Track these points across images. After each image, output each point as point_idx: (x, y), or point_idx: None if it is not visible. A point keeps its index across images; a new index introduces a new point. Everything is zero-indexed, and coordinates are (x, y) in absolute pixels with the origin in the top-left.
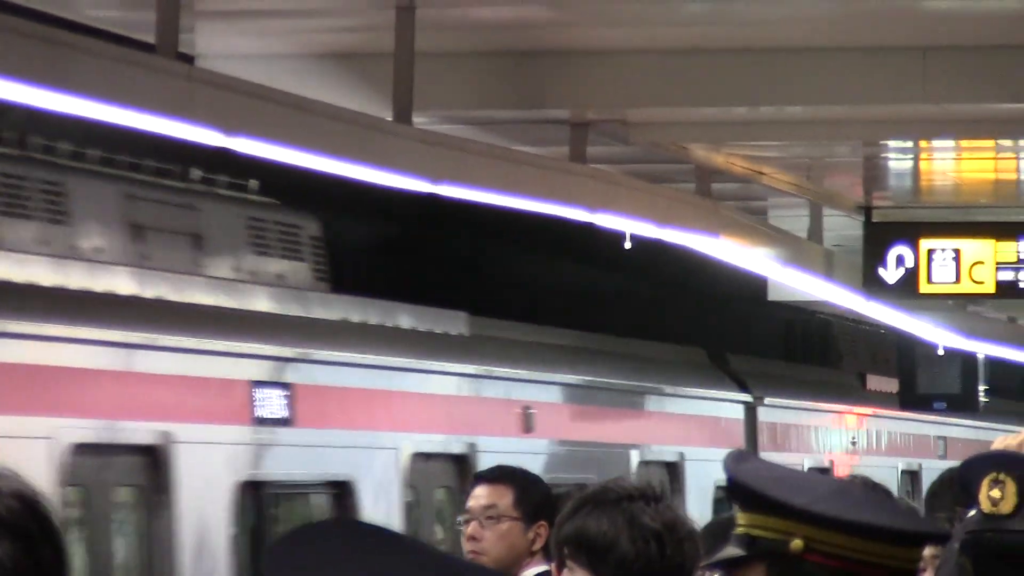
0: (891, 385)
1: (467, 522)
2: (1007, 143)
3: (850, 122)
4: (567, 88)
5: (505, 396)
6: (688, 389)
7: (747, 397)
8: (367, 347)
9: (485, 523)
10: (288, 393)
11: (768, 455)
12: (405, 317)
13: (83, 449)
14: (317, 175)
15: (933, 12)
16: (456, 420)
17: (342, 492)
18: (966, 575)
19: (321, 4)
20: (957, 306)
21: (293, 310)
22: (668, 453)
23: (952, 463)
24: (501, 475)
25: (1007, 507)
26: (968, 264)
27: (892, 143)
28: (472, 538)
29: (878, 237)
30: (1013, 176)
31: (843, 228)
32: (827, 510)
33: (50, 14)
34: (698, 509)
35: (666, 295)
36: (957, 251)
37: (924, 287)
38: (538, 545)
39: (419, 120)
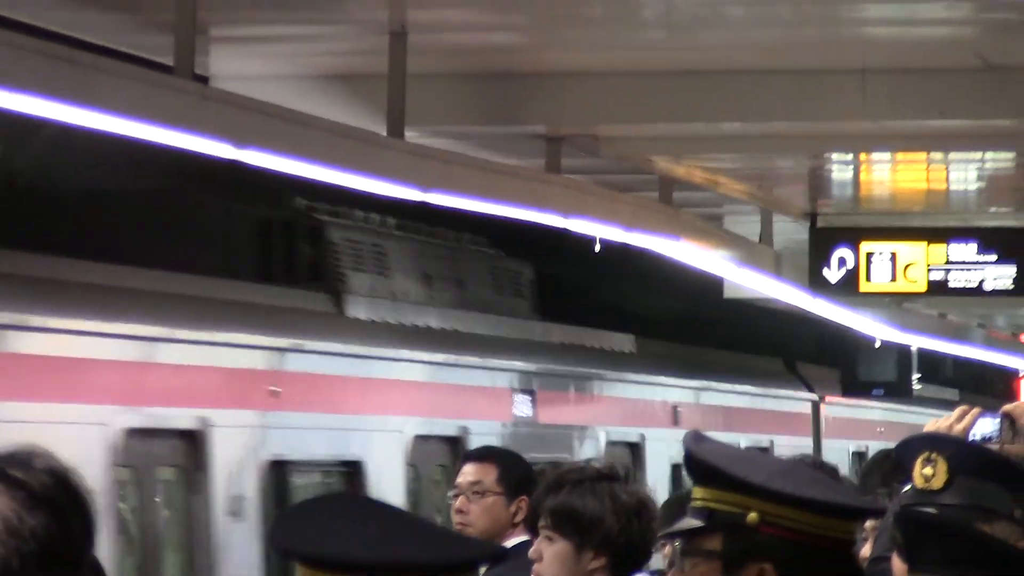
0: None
1: (456, 496)
2: (938, 156)
3: (796, 137)
4: (543, 106)
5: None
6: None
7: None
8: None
9: (472, 497)
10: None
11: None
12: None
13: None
14: (530, 230)
15: (871, 37)
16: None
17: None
18: (897, 544)
19: (322, 30)
20: (893, 303)
21: (520, 334)
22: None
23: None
24: (486, 454)
25: (938, 483)
26: (903, 265)
27: (834, 156)
28: (460, 511)
29: (822, 241)
30: (943, 186)
31: (791, 233)
32: (782, 487)
33: (78, 38)
34: None
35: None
36: (893, 254)
37: (863, 286)
38: (519, 517)
39: (410, 135)
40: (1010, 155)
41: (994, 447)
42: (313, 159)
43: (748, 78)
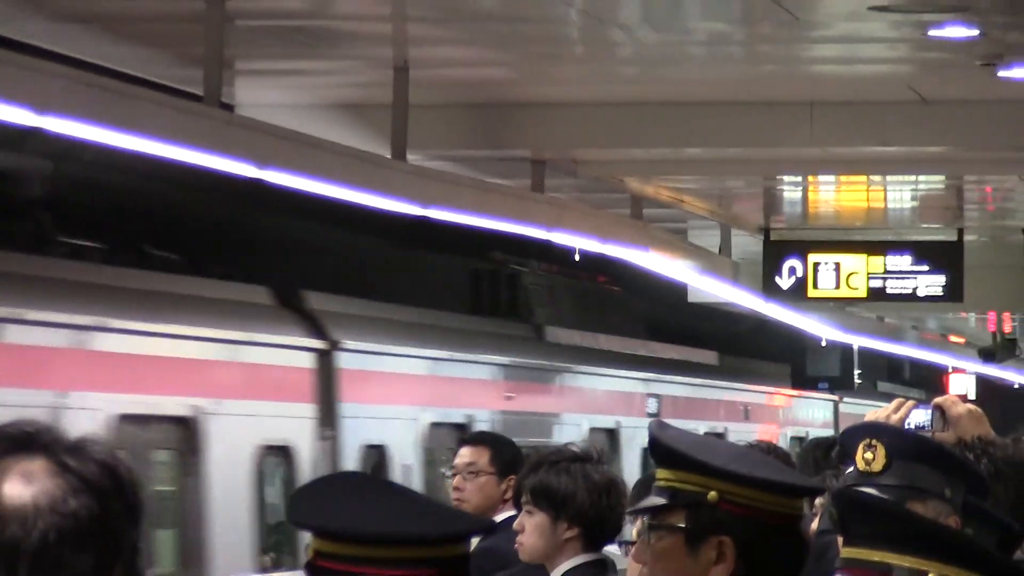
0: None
1: (453, 476)
2: (877, 179)
3: (752, 161)
4: (528, 133)
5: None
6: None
7: None
8: None
9: (467, 477)
10: None
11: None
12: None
13: None
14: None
15: (818, 74)
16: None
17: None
18: (834, 522)
19: (334, 65)
20: (837, 307)
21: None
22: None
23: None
24: (480, 438)
25: (877, 466)
26: (846, 274)
27: (785, 178)
28: (456, 489)
29: (774, 252)
30: (881, 205)
31: (747, 245)
32: (738, 469)
33: (118, 70)
34: None
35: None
36: (837, 264)
37: (811, 292)
38: (509, 495)
39: (412, 157)
40: (940, 178)
41: (927, 435)
42: (325, 178)
43: (709, 109)
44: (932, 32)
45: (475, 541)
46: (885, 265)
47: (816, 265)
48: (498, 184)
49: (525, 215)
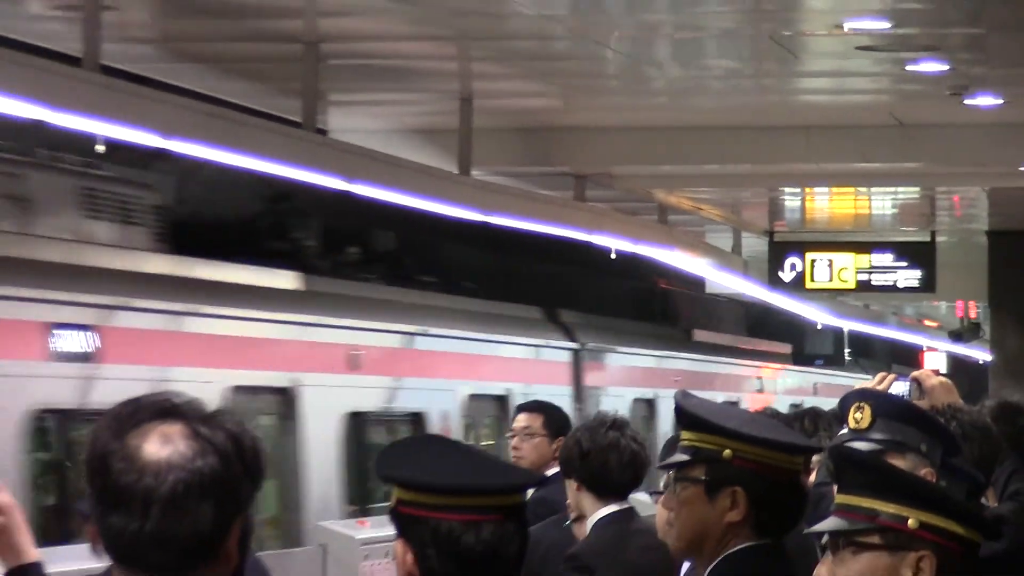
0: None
1: (511, 437)
2: (863, 190)
3: (758, 176)
4: (572, 152)
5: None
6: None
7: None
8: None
9: (523, 438)
10: None
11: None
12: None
13: None
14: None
15: (813, 103)
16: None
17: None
18: (830, 472)
19: (411, 96)
20: (830, 297)
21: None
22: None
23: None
24: (535, 406)
25: (864, 424)
26: (838, 269)
27: (786, 189)
28: (515, 448)
29: (778, 251)
30: (867, 212)
31: (755, 245)
32: (749, 431)
33: (231, 101)
34: None
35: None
36: (830, 261)
37: (808, 284)
38: (558, 453)
39: (475, 172)
40: (916, 189)
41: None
42: (404, 191)
43: (723, 132)
44: (909, 67)
45: (530, 492)
46: (870, 262)
47: (813, 262)
48: (547, 194)
49: (570, 221)
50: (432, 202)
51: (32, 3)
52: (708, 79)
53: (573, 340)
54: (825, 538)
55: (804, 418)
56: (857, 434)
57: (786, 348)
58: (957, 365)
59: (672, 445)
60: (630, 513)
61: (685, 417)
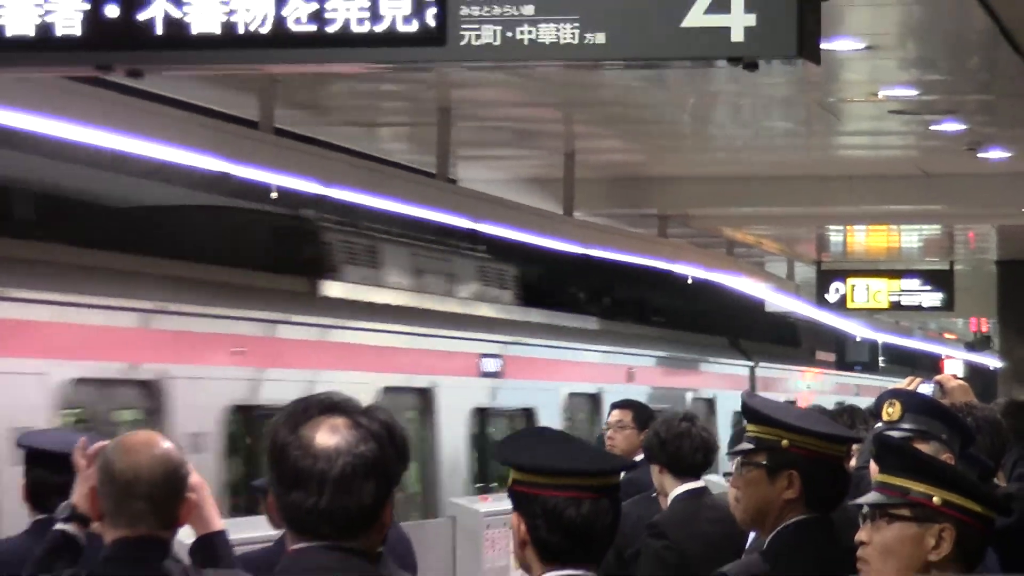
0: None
1: (606, 429)
2: (894, 228)
3: (808, 216)
4: (656, 197)
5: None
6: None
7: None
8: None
9: (616, 430)
10: None
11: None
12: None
13: None
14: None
15: (854, 157)
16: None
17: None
18: (873, 456)
19: (524, 152)
20: (867, 314)
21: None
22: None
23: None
24: (626, 404)
25: (896, 416)
26: (873, 292)
27: (831, 227)
28: (609, 438)
29: (824, 278)
30: (897, 245)
31: (805, 273)
32: (803, 424)
33: (379, 156)
34: None
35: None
36: (868, 285)
37: (849, 304)
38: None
39: (577, 214)
40: (937, 227)
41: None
42: (520, 228)
43: (780, 181)
44: (932, 127)
45: (622, 475)
46: (900, 286)
47: (853, 286)
48: (636, 231)
49: (657, 253)
50: (541, 238)
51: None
52: (766, 137)
53: (749, 359)
54: (865, 509)
55: (844, 414)
56: (889, 425)
57: (831, 356)
58: (972, 370)
59: (739, 436)
60: (703, 491)
61: (750, 413)
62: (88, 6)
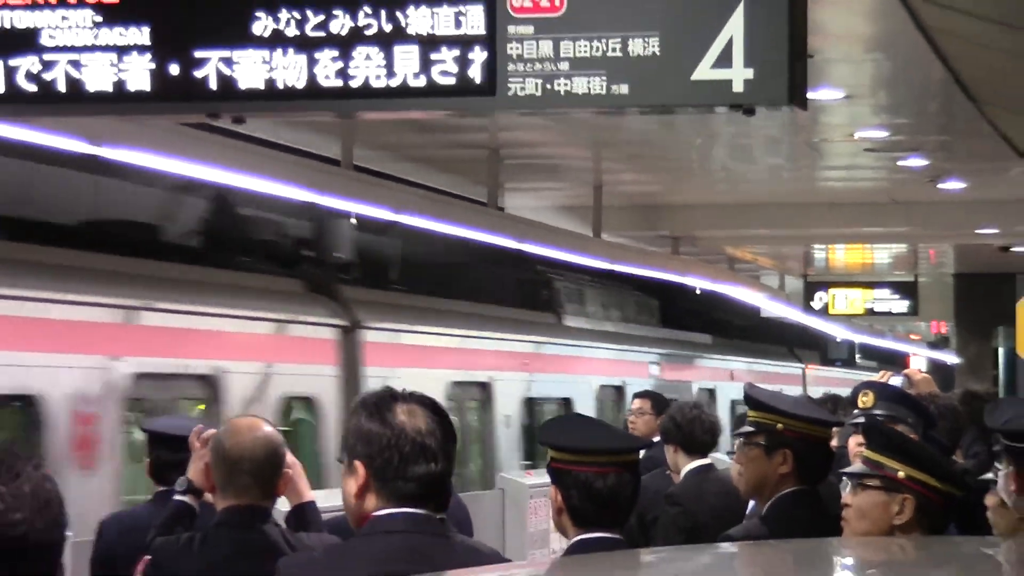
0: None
1: (629, 415)
2: (868, 246)
3: (796, 237)
4: (670, 222)
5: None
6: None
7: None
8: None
9: (638, 416)
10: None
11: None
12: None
13: None
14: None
15: (833, 187)
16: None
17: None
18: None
19: (560, 184)
20: (846, 319)
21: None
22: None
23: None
24: (645, 394)
25: (869, 404)
26: (851, 300)
27: (815, 246)
28: (632, 423)
29: (810, 288)
30: (871, 261)
31: (793, 284)
32: (795, 410)
33: (439, 188)
34: None
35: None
36: (846, 295)
37: (831, 311)
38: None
39: (605, 235)
40: (904, 246)
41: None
42: (555, 247)
43: (771, 207)
44: (900, 163)
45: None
46: (874, 295)
47: (834, 295)
48: (653, 250)
49: (670, 268)
50: (574, 255)
51: (305, 127)
52: (758, 171)
53: (801, 363)
54: (845, 479)
55: (828, 402)
56: (864, 411)
57: (816, 354)
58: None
59: (741, 420)
60: (710, 467)
61: (751, 401)
62: (200, 66)
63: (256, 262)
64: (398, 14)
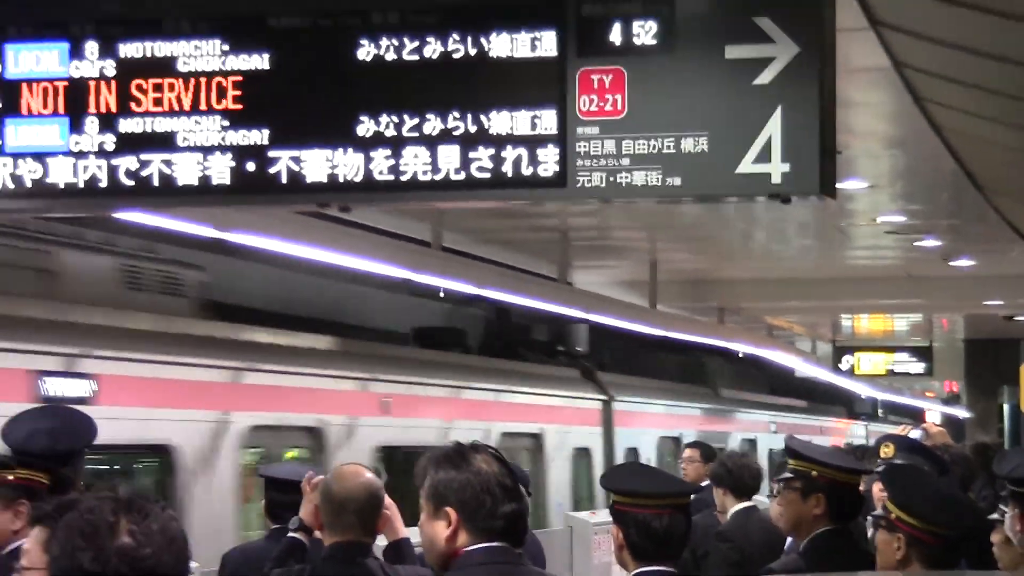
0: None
1: (681, 463)
2: (889, 316)
3: (825, 308)
4: (717, 294)
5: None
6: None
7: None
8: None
9: (688, 464)
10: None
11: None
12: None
13: None
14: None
15: (858, 264)
16: (671, 424)
17: (634, 454)
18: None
19: (620, 262)
20: (870, 379)
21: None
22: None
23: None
24: (695, 444)
25: (890, 454)
26: (874, 362)
27: (843, 316)
28: (684, 469)
29: (838, 352)
30: (892, 328)
31: (824, 348)
32: (828, 460)
33: (516, 266)
34: None
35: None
36: (870, 357)
37: (857, 372)
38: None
39: (661, 307)
40: (920, 316)
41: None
42: (617, 317)
43: (804, 282)
44: (916, 244)
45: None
46: (894, 358)
47: (859, 358)
48: (701, 319)
49: (718, 335)
50: (633, 324)
51: (401, 214)
52: (792, 250)
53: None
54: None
55: (855, 451)
56: (886, 461)
57: (843, 409)
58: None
59: (781, 467)
60: (754, 508)
61: (791, 451)
62: (311, 161)
63: (551, 358)
64: (482, 117)
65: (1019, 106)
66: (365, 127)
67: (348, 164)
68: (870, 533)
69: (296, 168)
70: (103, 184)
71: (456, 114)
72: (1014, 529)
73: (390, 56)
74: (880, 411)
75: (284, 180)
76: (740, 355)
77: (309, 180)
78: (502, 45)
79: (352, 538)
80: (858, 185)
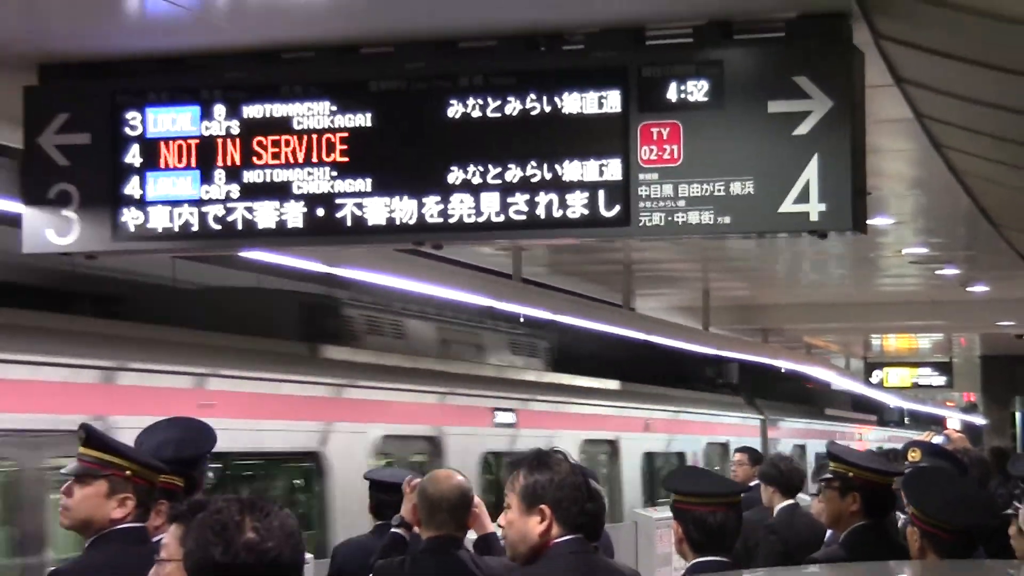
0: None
1: (732, 465)
2: (913, 336)
3: (858, 329)
4: (761, 318)
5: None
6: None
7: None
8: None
9: (738, 466)
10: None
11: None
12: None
13: None
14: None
15: (886, 291)
16: (722, 431)
17: (682, 457)
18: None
19: (677, 290)
20: (897, 391)
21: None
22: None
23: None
24: (744, 448)
25: (917, 457)
26: (901, 376)
27: (873, 336)
28: (734, 472)
29: (869, 368)
30: (916, 347)
31: (856, 364)
32: (864, 462)
33: (584, 294)
34: None
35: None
36: (897, 372)
37: (886, 385)
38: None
39: (712, 329)
40: (941, 335)
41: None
42: (673, 338)
43: (839, 307)
44: (937, 272)
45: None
46: (918, 372)
47: (888, 373)
48: (750, 340)
49: (763, 354)
50: (689, 344)
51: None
52: (828, 278)
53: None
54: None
55: (887, 455)
56: (912, 463)
57: (874, 417)
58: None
59: (822, 468)
60: (797, 505)
61: (831, 455)
62: (412, 205)
63: (723, 389)
64: (556, 166)
65: None
66: (454, 176)
67: (440, 207)
68: (901, 524)
69: (391, 212)
70: (228, 227)
71: (533, 163)
72: None
73: (476, 114)
74: (906, 419)
75: (382, 222)
76: (832, 385)
77: (404, 221)
78: (573, 103)
79: (445, 533)
80: (886, 221)
